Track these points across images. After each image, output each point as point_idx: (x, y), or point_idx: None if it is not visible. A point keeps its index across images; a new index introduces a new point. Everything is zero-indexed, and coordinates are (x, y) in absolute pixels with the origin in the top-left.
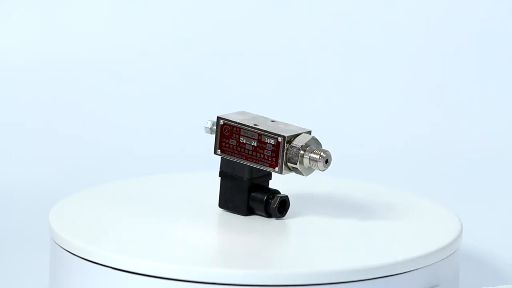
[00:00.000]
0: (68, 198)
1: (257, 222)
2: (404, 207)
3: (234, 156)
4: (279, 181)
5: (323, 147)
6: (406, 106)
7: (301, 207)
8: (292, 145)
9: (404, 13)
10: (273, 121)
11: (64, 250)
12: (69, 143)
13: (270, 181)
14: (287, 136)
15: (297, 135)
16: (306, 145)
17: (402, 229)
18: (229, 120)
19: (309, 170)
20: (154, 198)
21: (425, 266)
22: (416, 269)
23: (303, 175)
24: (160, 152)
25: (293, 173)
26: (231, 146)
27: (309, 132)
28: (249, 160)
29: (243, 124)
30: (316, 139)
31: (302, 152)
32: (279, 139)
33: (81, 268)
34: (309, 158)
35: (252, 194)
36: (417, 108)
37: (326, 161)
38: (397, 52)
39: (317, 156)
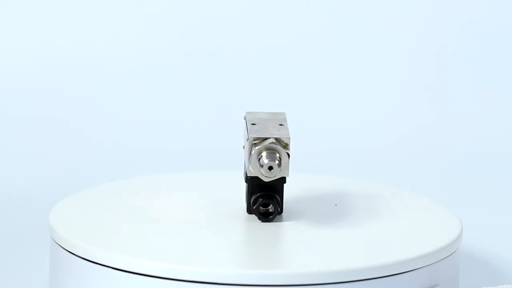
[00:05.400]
0: (69, 198)
1: (258, 222)
2: (404, 206)
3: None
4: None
5: (286, 158)
6: (405, 104)
7: (299, 206)
8: (253, 148)
9: (398, 12)
10: (281, 124)
11: (64, 250)
12: (69, 142)
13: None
14: (251, 138)
15: (265, 139)
16: (263, 149)
17: (402, 229)
18: (244, 117)
19: (266, 175)
20: (154, 198)
21: (425, 266)
22: (416, 269)
23: (263, 179)
24: (160, 152)
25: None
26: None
27: (287, 140)
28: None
29: (246, 122)
30: (281, 148)
31: (258, 154)
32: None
33: (81, 268)
34: (259, 162)
35: (251, 192)
36: (417, 106)
37: (270, 168)
38: (395, 50)
39: (263, 161)
